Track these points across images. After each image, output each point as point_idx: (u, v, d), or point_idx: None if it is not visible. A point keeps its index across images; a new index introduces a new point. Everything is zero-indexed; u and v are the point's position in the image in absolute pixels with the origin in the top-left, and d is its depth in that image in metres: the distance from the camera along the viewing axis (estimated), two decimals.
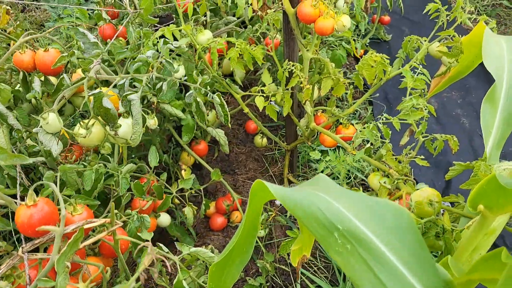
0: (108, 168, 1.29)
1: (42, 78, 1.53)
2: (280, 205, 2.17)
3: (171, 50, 1.64)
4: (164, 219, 1.70)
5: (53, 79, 1.59)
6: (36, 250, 0.97)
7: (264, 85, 1.79)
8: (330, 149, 1.90)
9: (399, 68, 1.71)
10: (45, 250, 0.99)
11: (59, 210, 0.92)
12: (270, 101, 1.79)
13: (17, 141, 1.31)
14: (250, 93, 1.81)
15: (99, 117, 1.16)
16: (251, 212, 0.90)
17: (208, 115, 1.99)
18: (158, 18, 1.71)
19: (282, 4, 1.63)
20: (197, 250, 1.08)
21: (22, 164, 1.56)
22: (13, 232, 1.15)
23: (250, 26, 2.01)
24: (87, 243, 0.96)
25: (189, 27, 1.63)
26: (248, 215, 0.90)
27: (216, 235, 2.04)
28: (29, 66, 1.49)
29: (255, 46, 1.70)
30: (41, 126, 1.14)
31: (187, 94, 1.31)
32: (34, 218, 0.90)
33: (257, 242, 1.88)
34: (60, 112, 1.60)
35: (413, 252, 0.63)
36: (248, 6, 1.75)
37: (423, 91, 1.71)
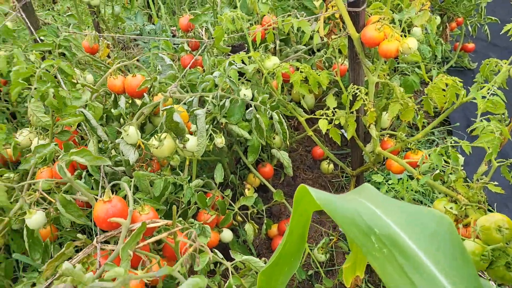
0: (176, 179, 1.41)
1: (130, 101, 1.76)
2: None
3: (240, 75, 1.78)
4: (227, 234, 1.77)
5: (138, 102, 1.82)
6: (108, 242, 1.10)
7: (328, 109, 1.82)
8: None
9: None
10: (115, 243, 1.11)
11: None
12: (335, 124, 1.81)
13: (104, 151, 1.50)
14: (314, 116, 1.85)
15: (171, 131, 1.30)
16: (296, 219, 0.92)
17: (274, 138, 2.06)
18: (231, 47, 1.86)
19: (347, 29, 1.67)
20: (249, 258, 1.12)
21: (109, 175, 1.78)
22: (92, 228, 1.31)
23: (318, 52, 2.08)
24: (150, 241, 1.07)
25: (257, 54, 1.75)
26: (293, 222, 0.92)
27: None
28: (119, 90, 1.73)
29: (321, 71, 1.76)
30: (122, 138, 1.31)
31: (248, 110, 1.40)
32: (108, 212, 1.03)
33: (317, 267, 1.85)
34: (142, 130, 1.80)
35: (452, 260, 0.60)
36: (315, 33, 1.82)
37: (503, 116, 1.59)
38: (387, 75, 2.03)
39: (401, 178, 2.05)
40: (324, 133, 1.80)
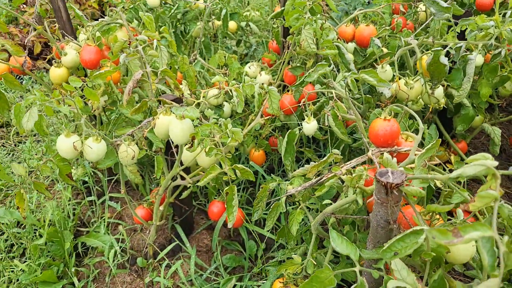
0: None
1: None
2: None
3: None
4: None
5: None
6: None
7: None
8: None
9: None
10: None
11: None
12: None
13: None
14: None
15: (427, 74, 1.34)
16: None
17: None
18: None
19: None
20: None
21: None
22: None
23: None
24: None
25: (496, 17, 1.68)
26: None
27: None
28: (349, 37, 1.84)
29: None
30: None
31: None
32: (386, 129, 1.13)
33: None
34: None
35: None
36: None
37: None
38: None
39: None
40: None
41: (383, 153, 1.15)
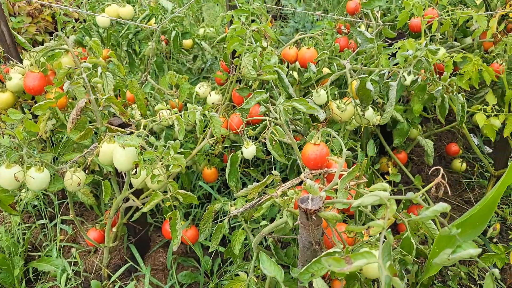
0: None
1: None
2: None
3: None
4: None
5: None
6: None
7: (487, 104, 1.84)
8: None
9: None
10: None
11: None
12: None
13: None
14: (468, 110, 1.88)
15: (357, 98, 1.45)
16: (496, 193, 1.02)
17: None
18: (397, 34, 1.97)
19: None
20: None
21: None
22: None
23: (478, 51, 2.08)
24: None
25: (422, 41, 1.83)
26: (494, 194, 1.03)
27: None
28: (292, 59, 1.94)
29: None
30: (311, 97, 1.50)
31: (436, 90, 1.50)
32: (316, 153, 1.22)
33: None
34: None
35: None
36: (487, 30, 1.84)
37: None
38: None
39: None
40: (480, 126, 1.82)
41: (312, 176, 1.24)
